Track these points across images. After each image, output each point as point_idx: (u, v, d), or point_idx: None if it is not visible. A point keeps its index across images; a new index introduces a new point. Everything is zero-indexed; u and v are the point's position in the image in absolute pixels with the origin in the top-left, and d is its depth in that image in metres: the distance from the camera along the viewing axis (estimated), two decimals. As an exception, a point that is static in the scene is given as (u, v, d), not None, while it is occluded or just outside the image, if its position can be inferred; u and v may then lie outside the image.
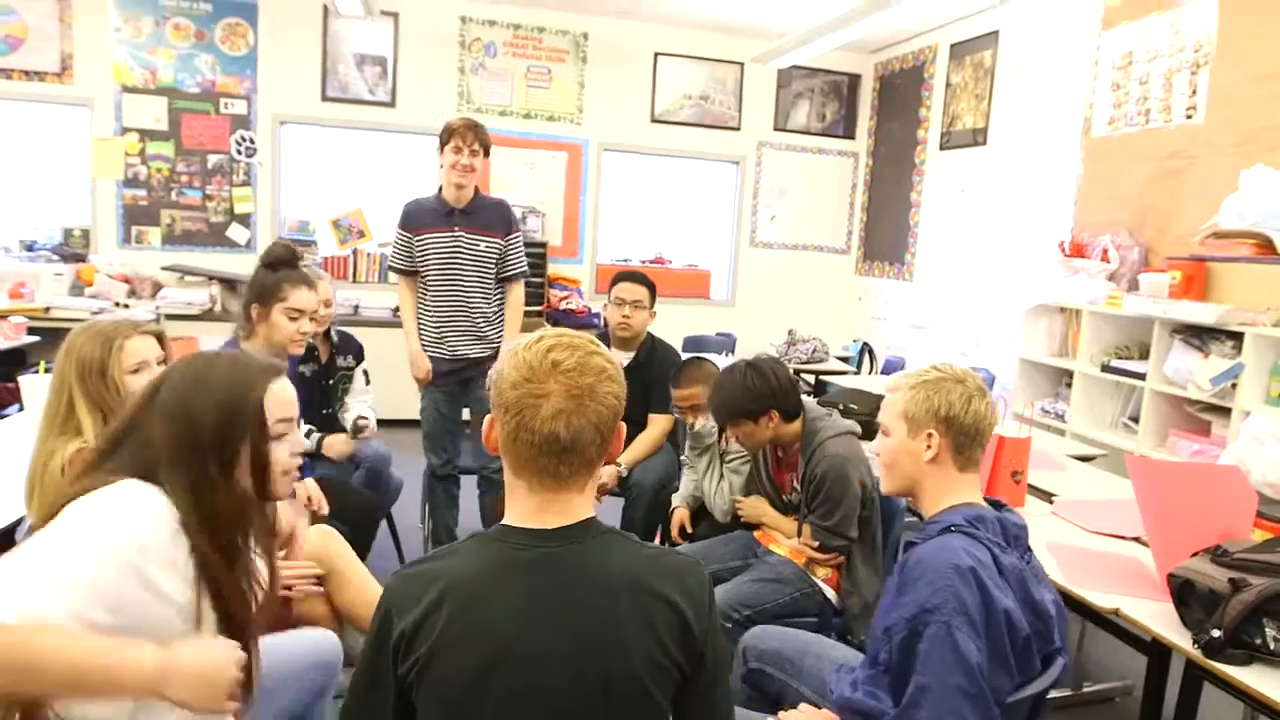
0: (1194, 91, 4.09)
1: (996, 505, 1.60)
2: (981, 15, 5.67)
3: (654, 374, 3.22)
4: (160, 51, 5.74)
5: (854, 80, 7.06)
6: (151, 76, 5.75)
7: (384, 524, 3.19)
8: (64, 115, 5.73)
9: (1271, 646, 1.58)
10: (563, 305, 6.46)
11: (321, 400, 3.16)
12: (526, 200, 6.38)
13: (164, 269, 5.74)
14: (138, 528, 1.17)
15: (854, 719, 1.49)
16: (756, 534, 2.65)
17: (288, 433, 1.35)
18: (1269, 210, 3.43)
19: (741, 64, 6.72)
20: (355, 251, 6.15)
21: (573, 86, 6.51)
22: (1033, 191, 5.21)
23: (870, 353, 6.69)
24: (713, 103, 6.81)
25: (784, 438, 2.50)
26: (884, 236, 6.86)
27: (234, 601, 1.27)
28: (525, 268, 3.44)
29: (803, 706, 1.62)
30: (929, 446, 1.55)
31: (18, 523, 1.91)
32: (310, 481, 2.52)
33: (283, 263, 2.60)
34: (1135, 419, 4.04)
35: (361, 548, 2.56)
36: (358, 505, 2.84)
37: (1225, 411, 3.55)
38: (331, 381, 3.20)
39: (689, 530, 2.83)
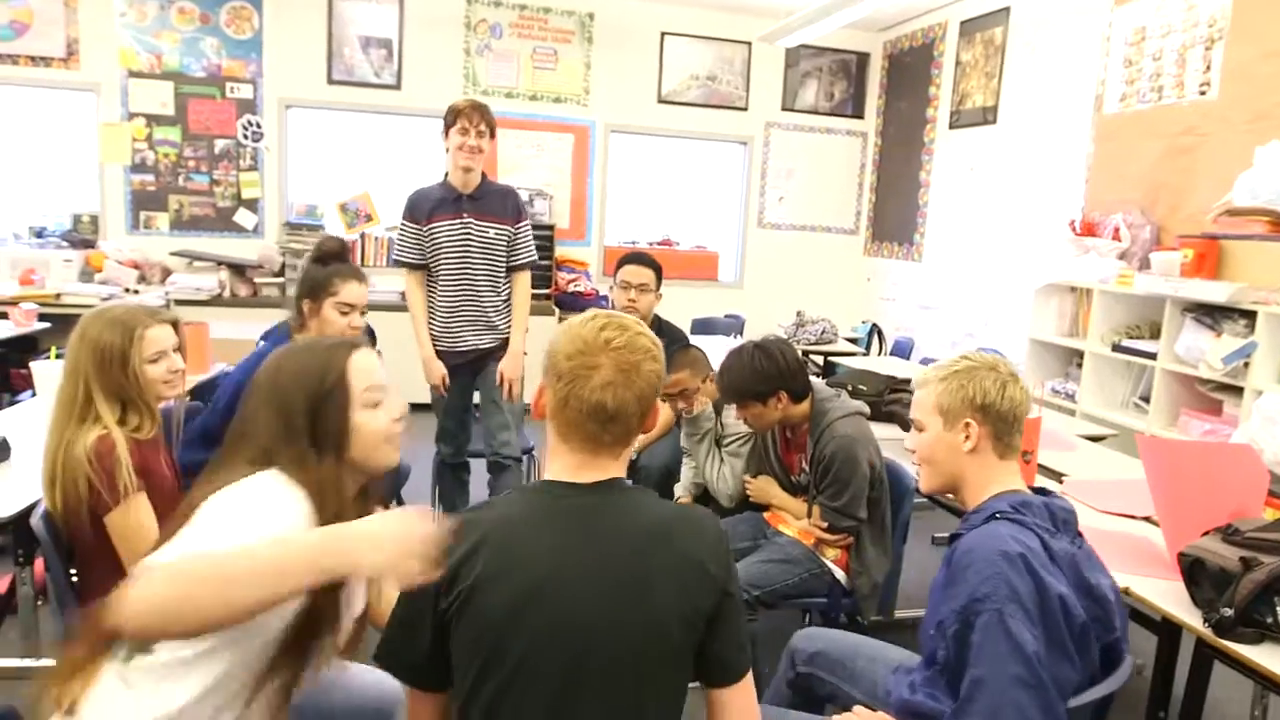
0: (1208, 67, 4.04)
1: (1042, 492, 1.56)
2: (992, -9, 5.61)
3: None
4: (165, 36, 5.73)
5: (862, 59, 7.00)
6: (157, 61, 5.74)
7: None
8: (71, 101, 5.73)
9: (1283, 625, 1.58)
10: (570, 288, 6.45)
11: None
12: (533, 183, 6.36)
13: (172, 254, 5.76)
14: (275, 517, 1.19)
15: None
16: (766, 515, 2.65)
17: (381, 399, 1.36)
18: (1283, 187, 3.40)
19: (749, 43, 6.67)
20: (363, 235, 6.16)
21: (579, 67, 6.47)
22: (1043, 170, 5.17)
23: (879, 333, 6.67)
24: (720, 83, 6.76)
25: (792, 419, 2.50)
26: (893, 217, 6.82)
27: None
28: (534, 256, 3.35)
29: (858, 709, 1.58)
30: (967, 437, 1.52)
31: (33, 506, 1.92)
32: None
33: (333, 256, 2.62)
34: (1146, 399, 4.02)
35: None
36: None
37: (1237, 391, 3.53)
38: None
39: None
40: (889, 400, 3.37)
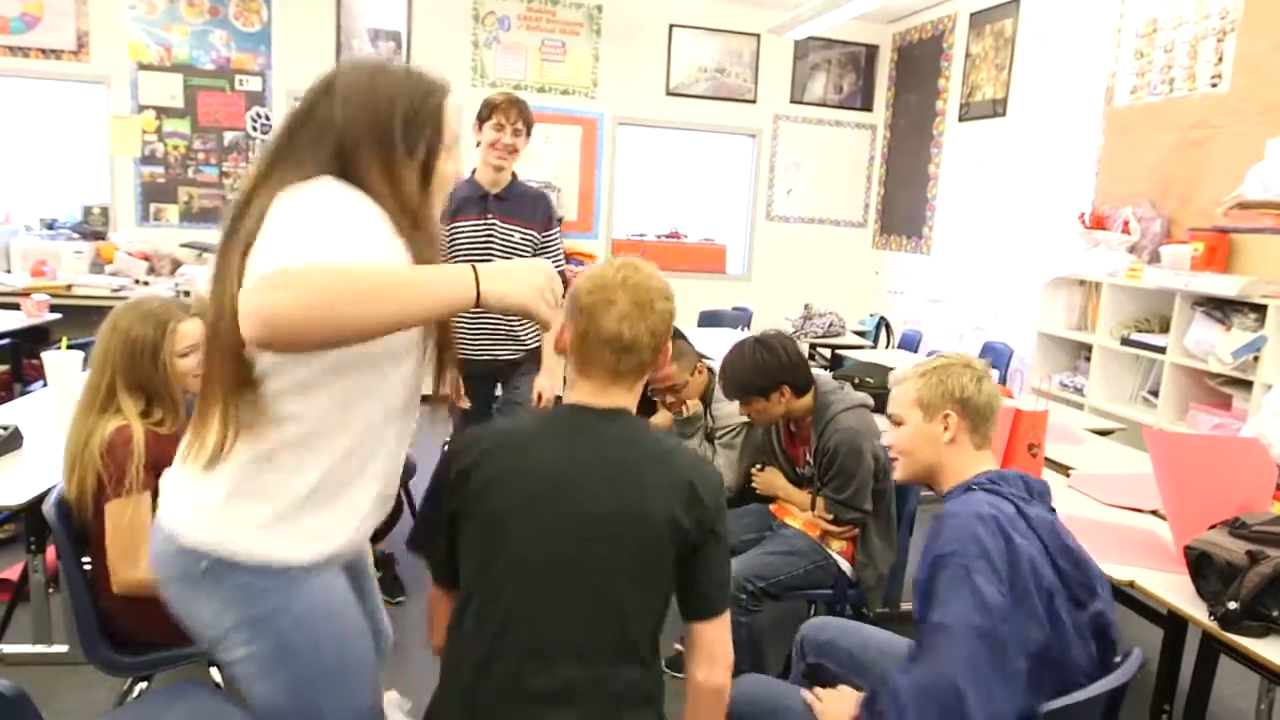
0: (1219, 59, 4.01)
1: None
2: (1002, -17, 5.57)
3: None
4: (175, 28, 5.74)
5: (871, 51, 6.97)
6: (167, 53, 5.76)
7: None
8: (81, 93, 5.76)
9: (1288, 618, 1.58)
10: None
11: None
12: (541, 175, 6.37)
13: (182, 246, 5.78)
14: (355, 216, 1.17)
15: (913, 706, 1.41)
16: (772, 507, 2.66)
17: (454, 149, 1.33)
18: (1295, 180, 3.37)
19: (757, 35, 6.65)
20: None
21: (587, 60, 6.46)
22: (1053, 163, 5.15)
23: (887, 327, 6.66)
24: (728, 75, 6.75)
25: (796, 412, 2.50)
26: (901, 209, 6.80)
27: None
28: (564, 266, 3.09)
29: (840, 687, 1.64)
30: (946, 428, 1.59)
31: (44, 494, 1.94)
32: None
33: None
34: (1155, 393, 4.01)
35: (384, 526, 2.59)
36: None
37: (1246, 385, 3.51)
38: None
39: None
40: (896, 393, 3.36)
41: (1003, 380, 4.72)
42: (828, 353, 5.73)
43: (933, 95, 6.36)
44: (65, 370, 2.53)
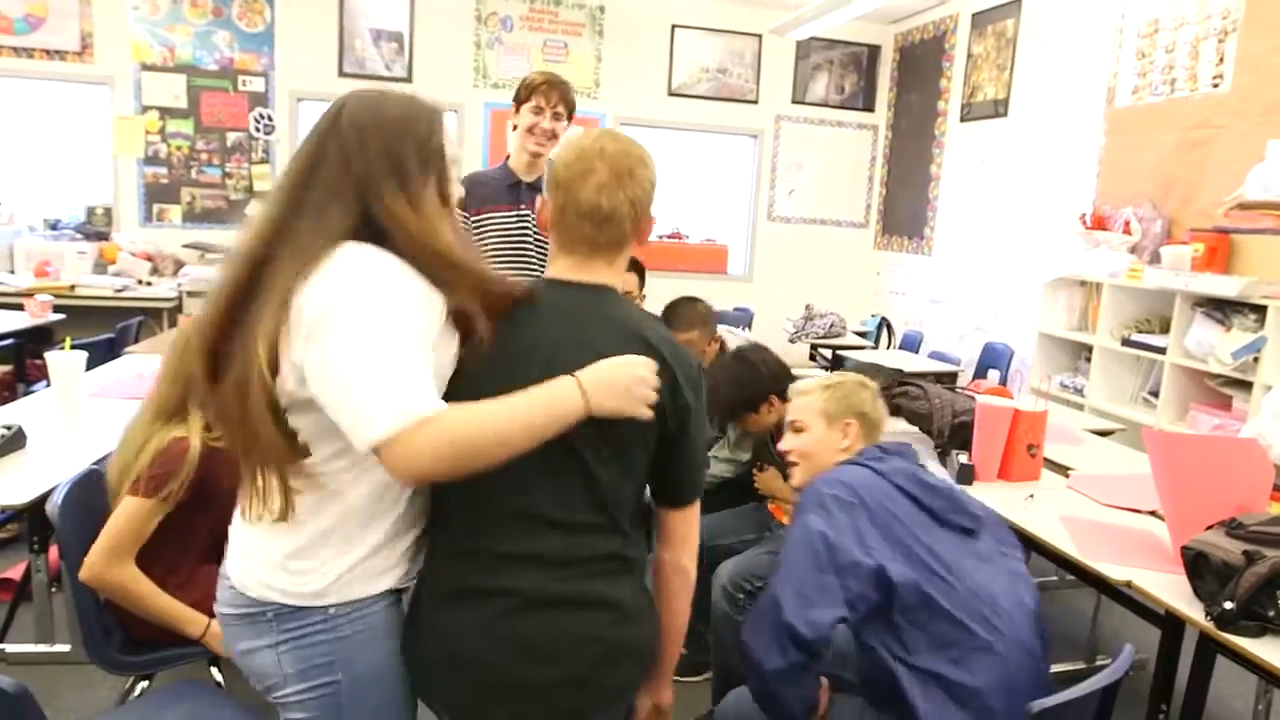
0: (1221, 60, 4.01)
1: None
2: (1004, -17, 5.57)
3: None
4: (178, 29, 5.76)
5: (873, 51, 6.97)
6: (170, 54, 5.77)
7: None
8: (85, 94, 5.78)
9: (1285, 619, 1.58)
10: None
11: None
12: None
13: (185, 246, 5.80)
14: (406, 302, 1.15)
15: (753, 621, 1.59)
16: (770, 506, 2.66)
17: (453, 171, 1.31)
18: (1295, 181, 3.38)
19: (759, 36, 6.66)
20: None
21: (589, 60, 6.47)
22: (1054, 163, 5.15)
23: (888, 327, 6.66)
24: (730, 75, 6.75)
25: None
26: (903, 210, 6.80)
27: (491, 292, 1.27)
28: None
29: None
30: (846, 435, 1.84)
31: (48, 494, 1.95)
32: None
33: None
34: (1155, 393, 4.01)
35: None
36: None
37: (1246, 386, 3.51)
38: None
39: None
40: (896, 394, 3.37)
41: (1003, 381, 4.72)
42: (829, 353, 5.73)
43: (934, 96, 6.36)
44: (68, 370, 2.54)
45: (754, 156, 6.95)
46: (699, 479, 1.37)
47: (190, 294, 5.39)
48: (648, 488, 1.35)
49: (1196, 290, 3.67)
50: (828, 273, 7.12)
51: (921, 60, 6.54)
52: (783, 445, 1.94)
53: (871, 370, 3.70)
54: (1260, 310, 3.45)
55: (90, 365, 2.84)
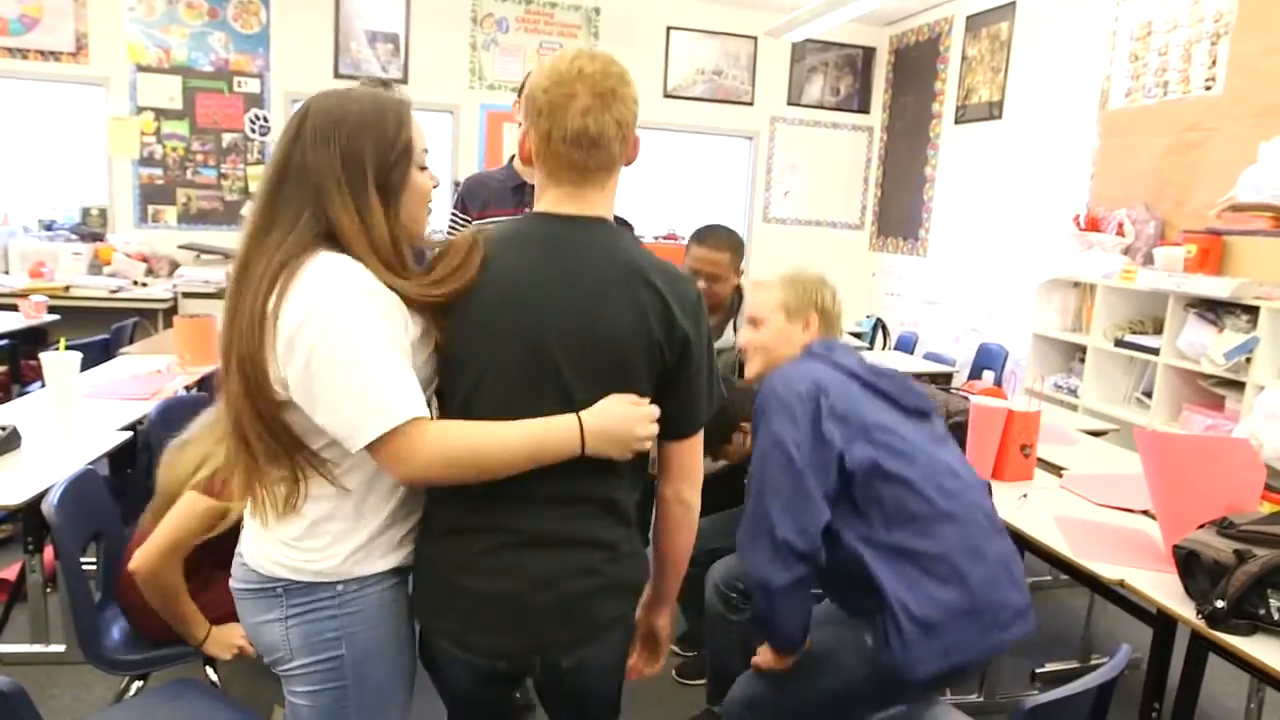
0: (1213, 62, 4.03)
1: None
2: (998, -14, 5.59)
3: None
4: (173, 30, 5.75)
5: (868, 53, 6.99)
6: (165, 55, 5.77)
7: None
8: (80, 95, 5.77)
9: (1275, 617, 1.59)
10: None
11: None
12: (539, 177, 6.37)
13: (180, 248, 5.80)
14: (377, 310, 1.17)
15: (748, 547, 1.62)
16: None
17: (424, 163, 1.32)
18: (1287, 183, 3.39)
19: (755, 38, 6.67)
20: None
21: (585, 62, 6.47)
22: (1048, 165, 5.17)
23: (883, 328, 6.68)
24: (726, 77, 6.77)
25: None
26: (898, 212, 6.82)
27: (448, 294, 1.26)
28: None
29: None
30: (807, 327, 1.86)
31: (43, 494, 1.95)
32: None
33: None
34: (1148, 394, 4.03)
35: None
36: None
37: (1239, 386, 3.53)
38: None
39: None
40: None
41: (998, 382, 4.73)
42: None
43: (929, 98, 6.38)
44: (63, 371, 2.54)
45: (749, 158, 6.97)
46: (700, 411, 1.35)
47: (185, 295, 5.39)
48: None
49: (1189, 291, 3.69)
50: (823, 274, 7.11)
51: (916, 62, 6.56)
52: (739, 339, 1.95)
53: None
54: (1252, 311, 3.47)
55: (85, 366, 2.83)
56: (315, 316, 1.13)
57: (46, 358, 2.55)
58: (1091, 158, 4.80)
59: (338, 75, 6.03)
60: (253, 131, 5.97)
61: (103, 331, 4.18)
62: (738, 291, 2.85)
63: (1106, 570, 1.91)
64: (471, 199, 2.76)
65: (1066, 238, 4.63)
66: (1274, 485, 2.08)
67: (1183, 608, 1.73)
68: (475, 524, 1.26)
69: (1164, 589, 1.80)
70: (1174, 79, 4.26)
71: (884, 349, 6.36)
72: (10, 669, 2.48)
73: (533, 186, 2.73)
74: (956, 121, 6.07)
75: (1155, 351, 3.89)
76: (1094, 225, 4.52)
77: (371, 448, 1.13)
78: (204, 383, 3.29)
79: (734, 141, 6.98)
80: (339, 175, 1.19)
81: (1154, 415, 3.89)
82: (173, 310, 5.23)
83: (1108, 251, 4.31)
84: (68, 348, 2.69)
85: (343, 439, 1.14)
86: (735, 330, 2.75)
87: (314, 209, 1.18)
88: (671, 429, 1.33)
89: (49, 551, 2.49)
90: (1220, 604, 1.61)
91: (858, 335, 6.42)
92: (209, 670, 2.16)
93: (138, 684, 2.10)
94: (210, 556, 1.91)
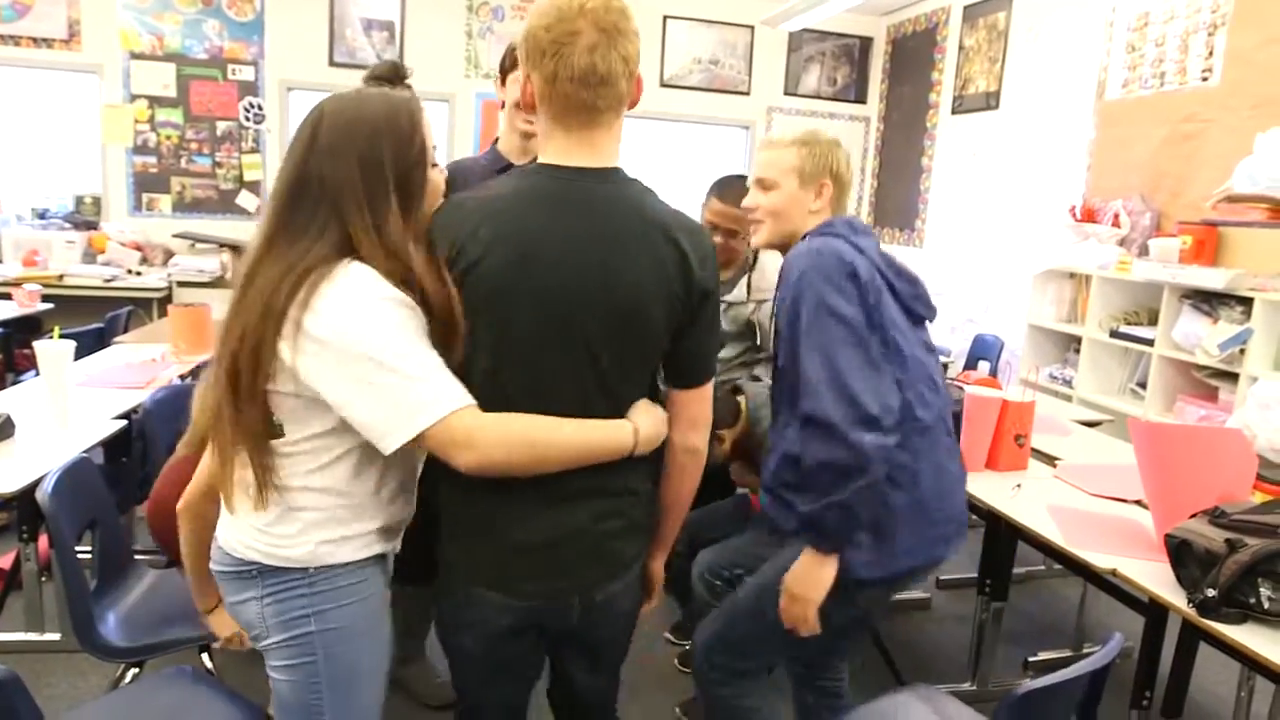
0: (1210, 53, 4.03)
1: None
2: (995, -24, 5.58)
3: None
4: (167, 17, 5.72)
5: (865, 43, 6.97)
6: (159, 42, 5.73)
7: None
8: (73, 82, 5.73)
9: (1266, 606, 1.60)
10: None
11: None
12: (535, 166, 6.36)
13: (175, 236, 5.77)
14: (412, 313, 1.18)
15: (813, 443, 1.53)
16: (754, 497, 2.68)
17: (435, 159, 1.32)
18: (1282, 174, 3.40)
19: (751, 27, 6.64)
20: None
21: (581, 51, 6.44)
22: (1045, 156, 5.17)
23: (879, 319, 6.68)
24: (722, 67, 6.74)
25: None
26: (895, 202, 6.82)
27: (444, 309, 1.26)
28: None
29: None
30: (819, 195, 1.74)
31: (37, 482, 1.95)
32: None
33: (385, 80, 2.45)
34: (1143, 384, 4.04)
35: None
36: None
37: (1233, 377, 3.54)
38: None
39: None
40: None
41: (993, 372, 4.74)
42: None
43: (926, 88, 6.36)
44: (57, 360, 2.53)
45: (746, 147, 6.95)
46: (712, 361, 1.38)
47: (180, 284, 5.37)
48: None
49: (1184, 282, 3.70)
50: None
51: (913, 52, 6.54)
52: (748, 202, 1.84)
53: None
54: (1247, 302, 3.47)
55: (79, 355, 2.83)
56: (356, 319, 1.14)
57: (40, 346, 2.54)
58: (1088, 148, 4.80)
59: (333, 63, 6.00)
60: (247, 119, 5.94)
61: (97, 320, 4.17)
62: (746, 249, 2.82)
63: (1099, 559, 1.92)
64: (456, 187, 2.65)
65: (1062, 228, 4.63)
66: (1266, 475, 2.09)
67: (1174, 597, 1.74)
68: (517, 483, 1.26)
69: (1156, 578, 1.81)
70: (1171, 70, 4.26)
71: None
72: (5, 657, 2.49)
73: (519, 168, 2.75)
74: (953, 112, 6.06)
75: (1150, 342, 3.90)
76: (1090, 216, 4.52)
77: (430, 436, 1.14)
78: (198, 371, 3.29)
79: (730, 131, 6.96)
80: (358, 186, 1.19)
81: (1148, 406, 3.91)
82: (167, 299, 5.22)
83: (1103, 242, 4.32)
84: (62, 336, 2.69)
85: (384, 433, 1.14)
86: (749, 288, 2.78)
87: (335, 220, 1.19)
88: (683, 378, 1.36)
89: (44, 540, 2.49)
90: (1211, 593, 1.62)
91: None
92: (204, 657, 2.17)
93: (133, 671, 2.10)
94: None
